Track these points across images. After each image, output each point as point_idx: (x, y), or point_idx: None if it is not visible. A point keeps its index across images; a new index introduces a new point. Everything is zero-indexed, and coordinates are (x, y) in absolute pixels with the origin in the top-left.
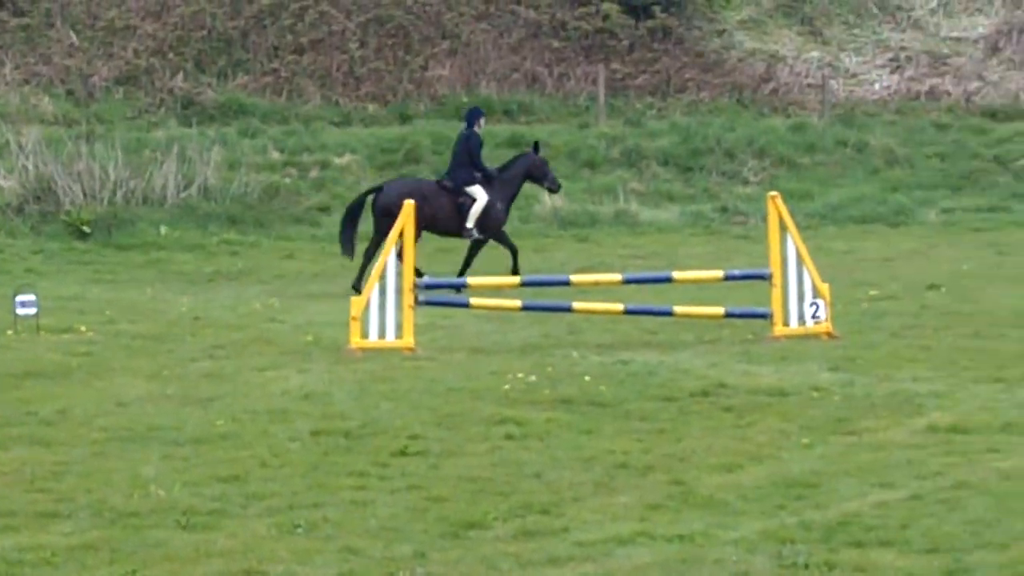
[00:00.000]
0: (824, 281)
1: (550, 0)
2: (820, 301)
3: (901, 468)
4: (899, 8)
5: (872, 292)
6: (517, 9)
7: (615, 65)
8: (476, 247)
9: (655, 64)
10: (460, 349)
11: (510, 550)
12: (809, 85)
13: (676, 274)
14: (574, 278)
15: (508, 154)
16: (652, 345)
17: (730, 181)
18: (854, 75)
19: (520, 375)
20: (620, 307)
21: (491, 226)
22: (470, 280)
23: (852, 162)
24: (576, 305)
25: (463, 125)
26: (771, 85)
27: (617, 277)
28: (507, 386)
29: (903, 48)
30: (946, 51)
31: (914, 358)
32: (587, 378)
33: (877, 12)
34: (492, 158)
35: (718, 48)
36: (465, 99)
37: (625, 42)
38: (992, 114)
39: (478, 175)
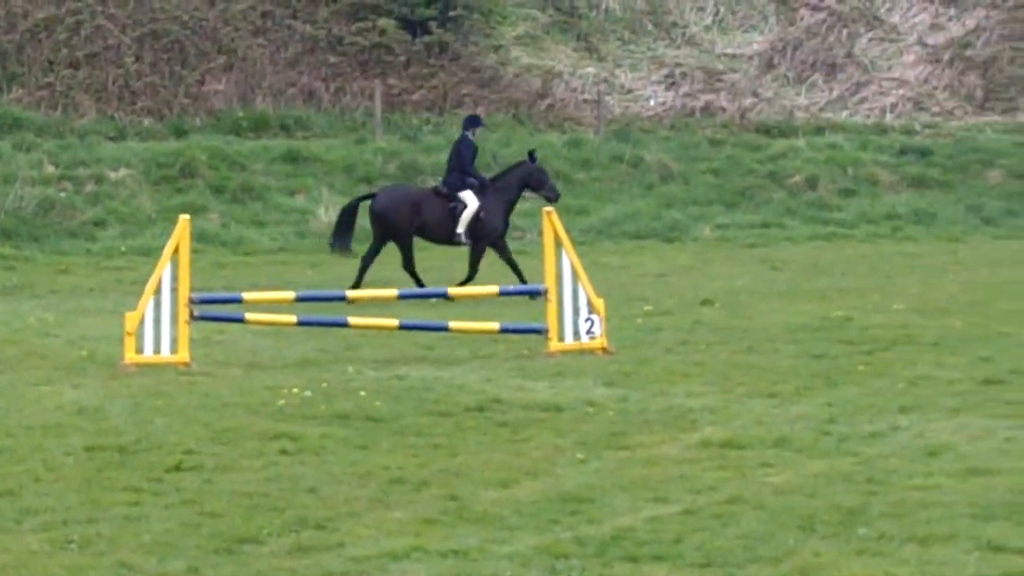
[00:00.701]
0: (599, 296)
1: (327, 15)
2: (595, 316)
3: (675, 483)
4: (674, 25)
5: (647, 307)
6: (294, 24)
7: (392, 80)
8: (476, 256)
9: (432, 79)
10: (235, 364)
11: (284, 565)
12: (585, 101)
13: (451, 290)
14: (350, 294)
15: (287, 168)
16: (428, 360)
17: None
18: (629, 91)
19: (295, 390)
20: (395, 323)
21: (486, 234)
22: (245, 295)
23: (627, 178)
24: (352, 320)
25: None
26: (547, 101)
27: (393, 293)
28: (282, 401)
29: (678, 64)
30: (721, 68)
31: (688, 373)
32: (363, 393)
33: (652, 29)
34: (274, 173)
35: (494, 64)
36: (241, 113)
37: (402, 57)
38: (766, 130)
39: (471, 181)
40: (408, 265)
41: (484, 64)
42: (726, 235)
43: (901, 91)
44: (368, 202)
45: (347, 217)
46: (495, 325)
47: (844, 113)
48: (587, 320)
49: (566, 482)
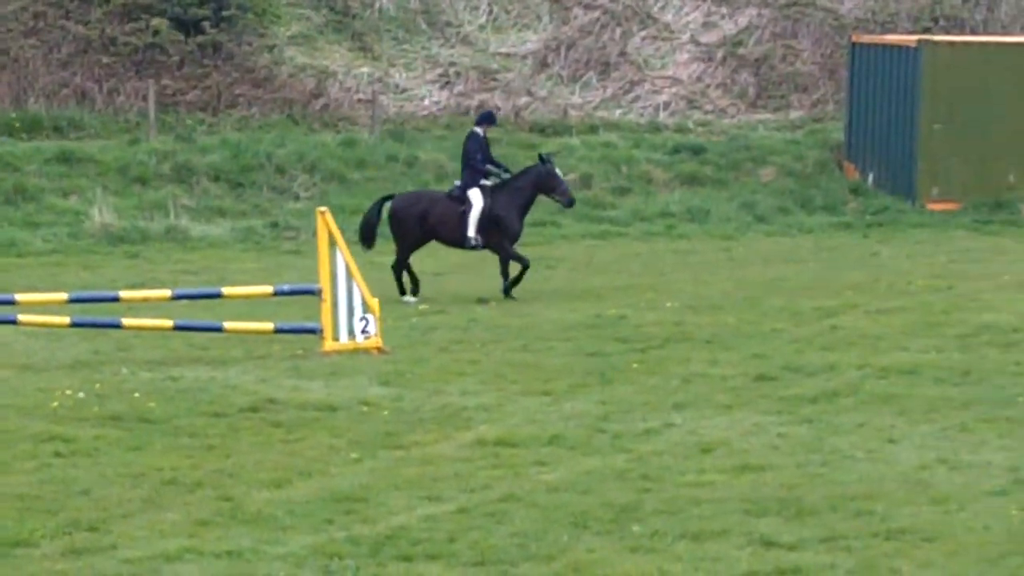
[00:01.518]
0: (374, 296)
1: (100, 16)
2: (370, 316)
3: (449, 481)
4: (448, 24)
5: (422, 306)
6: (67, 24)
7: (166, 80)
8: (503, 260)
9: (206, 80)
10: (8, 366)
11: (57, 568)
12: (359, 100)
13: (226, 290)
14: (123, 294)
15: (61, 169)
16: (202, 361)
17: (281, 196)
18: (404, 90)
19: (69, 392)
20: (170, 323)
21: (508, 236)
22: (19, 297)
23: (403, 177)
24: (126, 321)
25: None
26: (322, 101)
27: (167, 293)
28: (55, 403)
29: (452, 64)
30: (495, 67)
31: (463, 372)
32: (136, 394)
33: (426, 28)
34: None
35: (268, 64)
36: (14, 115)
37: (176, 57)
38: (541, 129)
39: (478, 177)
40: (398, 267)
41: (258, 64)
42: None
43: (674, 89)
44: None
45: (369, 220)
46: (269, 325)
47: (618, 112)
48: (362, 320)
49: (340, 482)
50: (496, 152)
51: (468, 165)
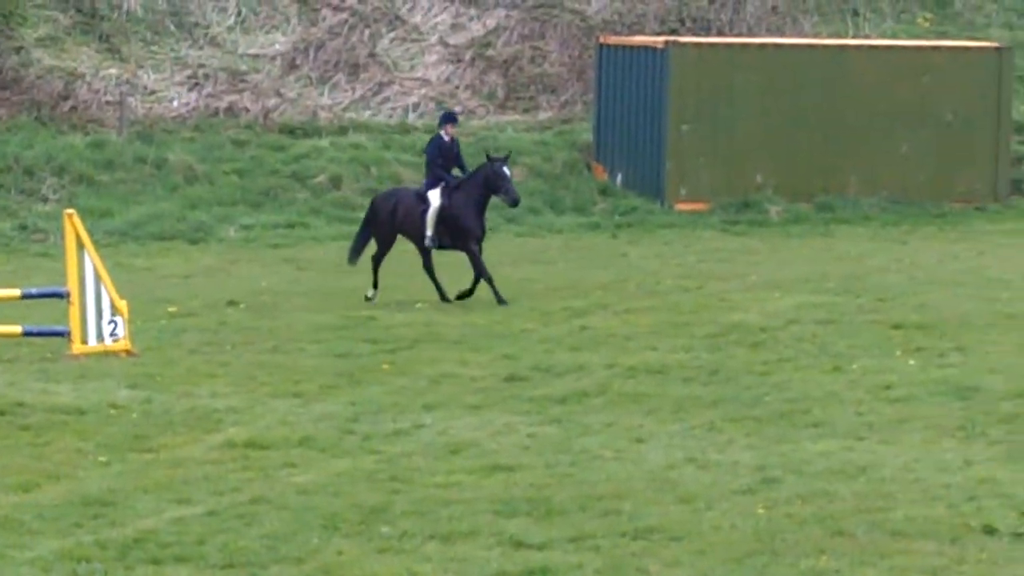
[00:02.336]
0: (123, 298)
1: None
2: (118, 318)
3: (198, 484)
4: (196, 25)
5: (171, 309)
6: None
7: None
8: (472, 259)
9: None
10: None
11: None
12: (108, 102)
13: None
14: None
15: None
16: None
17: (29, 199)
18: (153, 92)
19: None
20: None
21: (465, 236)
22: None
23: (151, 179)
24: None
25: None
26: (70, 103)
27: None
28: None
29: (201, 65)
30: (244, 68)
31: (213, 374)
32: None
33: (175, 30)
34: None
35: (16, 65)
36: None
37: None
38: (290, 131)
39: (436, 181)
40: (376, 259)
41: (5, 66)
42: (251, 236)
43: (424, 91)
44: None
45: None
46: (17, 328)
47: (367, 113)
48: (110, 322)
49: (89, 485)
50: (245, 154)
51: (428, 168)
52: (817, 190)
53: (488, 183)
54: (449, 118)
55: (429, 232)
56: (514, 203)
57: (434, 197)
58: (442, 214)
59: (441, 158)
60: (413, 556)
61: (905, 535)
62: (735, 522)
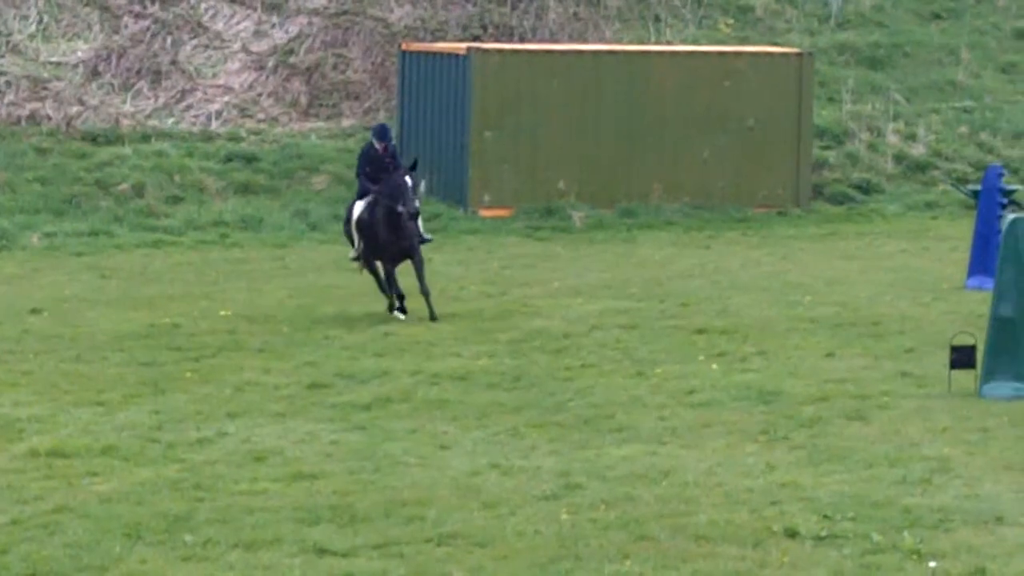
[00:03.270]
0: None
1: None
2: None
3: (1, 493)
4: None
5: None
6: None
7: None
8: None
9: None
10: None
11: None
12: None
13: None
14: None
15: None
16: None
17: None
18: None
19: None
20: None
21: (374, 251)
22: None
23: None
24: None
25: None
26: None
27: None
28: None
29: (3, 73)
30: (46, 76)
31: (15, 383)
32: None
33: None
34: None
35: None
36: None
37: None
38: (93, 138)
39: (362, 192)
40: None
41: None
42: (54, 243)
43: (227, 98)
44: None
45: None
46: None
47: (170, 120)
48: None
49: None
50: (47, 162)
51: (357, 180)
52: (620, 196)
53: (391, 192)
54: (378, 133)
55: (353, 246)
56: (410, 216)
57: (356, 209)
58: (359, 227)
59: (369, 167)
60: (217, 564)
61: (708, 539)
62: (539, 527)
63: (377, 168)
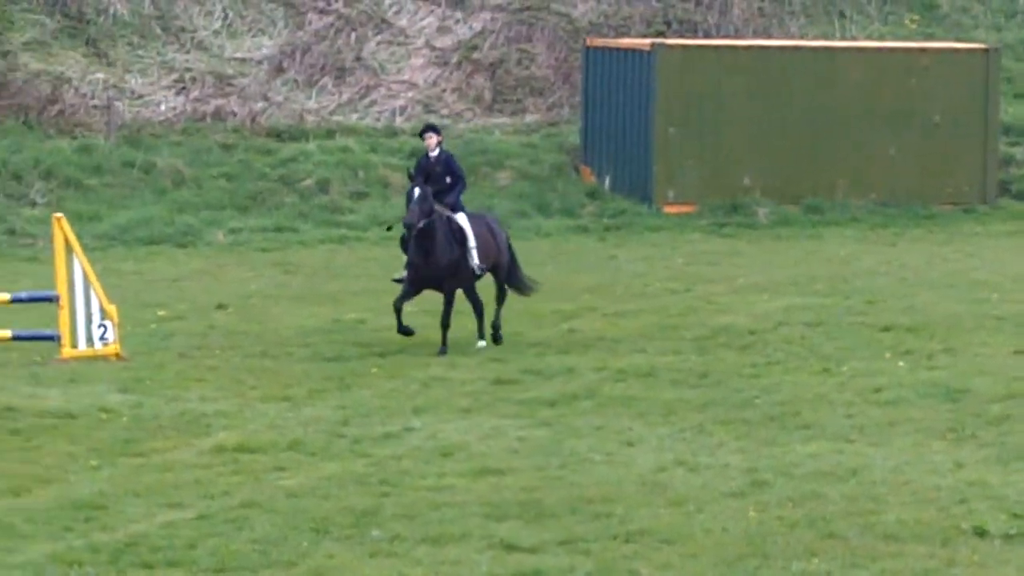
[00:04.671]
0: (112, 302)
1: None
2: (108, 323)
3: (189, 488)
4: (183, 30)
5: (161, 313)
6: None
7: None
8: None
9: None
10: None
11: None
12: (95, 107)
13: None
14: None
15: None
16: None
17: (18, 203)
18: (140, 96)
19: None
20: None
21: None
22: None
23: (140, 183)
24: None
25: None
26: (57, 107)
27: None
28: None
29: (188, 69)
30: (231, 72)
31: (202, 378)
32: None
33: (161, 33)
34: None
35: (3, 69)
36: None
37: None
38: (277, 134)
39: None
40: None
41: None
42: (239, 239)
43: (410, 94)
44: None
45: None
46: (7, 332)
47: (354, 116)
48: (100, 326)
49: (79, 489)
50: (232, 158)
51: None
52: (805, 192)
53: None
54: (424, 130)
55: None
56: (405, 226)
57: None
58: (402, 244)
59: (420, 177)
60: (404, 559)
61: (896, 538)
62: (726, 525)
63: (427, 179)
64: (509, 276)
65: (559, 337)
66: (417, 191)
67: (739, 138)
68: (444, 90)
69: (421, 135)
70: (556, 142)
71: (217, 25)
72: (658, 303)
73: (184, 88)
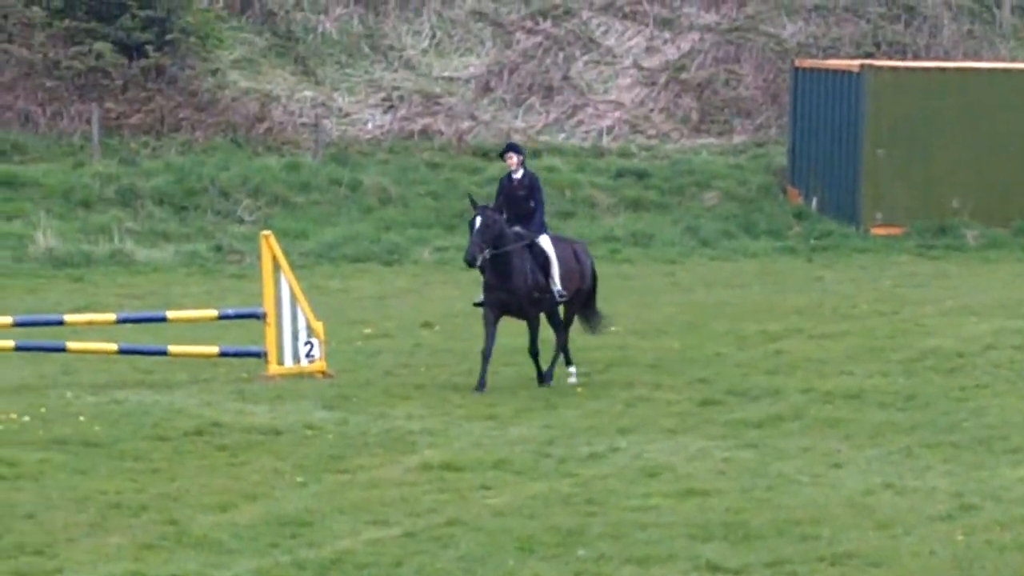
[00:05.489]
0: (319, 319)
1: (43, 39)
2: (315, 340)
3: (395, 505)
4: (391, 48)
5: (367, 331)
6: (9, 48)
7: (109, 104)
8: None
9: (149, 103)
10: None
11: None
12: (303, 124)
13: (170, 313)
14: (68, 318)
15: (5, 193)
16: (147, 384)
17: (225, 220)
18: (347, 114)
19: (13, 416)
20: (114, 347)
21: None
22: None
23: (346, 201)
24: (70, 345)
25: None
26: (265, 124)
27: (111, 317)
28: (0, 427)
29: (396, 88)
30: (438, 91)
31: (408, 396)
32: (81, 418)
33: (370, 52)
34: None
35: (212, 87)
36: None
37: (119, 81)
38: (484, 153)
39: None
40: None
41: (201, 88)
42: (445, 258)
43: (617, 114)
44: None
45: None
46: (214, 349)
47: (561, 136)
48: (306, 343)
49: (285, 505)
50: (439, 176)
51: None
52: (1015, 214)
53: None
54: (506, 149)
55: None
56: (465, 262)
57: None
58: (482, 269)
59: (499, 200)
60: None
61: None
62: (934, 548)
63: (508, 201)
64: (584, 305)
65: (765, 358)
66: (478, 220)
67: (948, 160)
68: (651, 110)
69: (502, 155)
70: (763, 163)
71: (425, 44)
72: (865, 325)
73: (391, 106)
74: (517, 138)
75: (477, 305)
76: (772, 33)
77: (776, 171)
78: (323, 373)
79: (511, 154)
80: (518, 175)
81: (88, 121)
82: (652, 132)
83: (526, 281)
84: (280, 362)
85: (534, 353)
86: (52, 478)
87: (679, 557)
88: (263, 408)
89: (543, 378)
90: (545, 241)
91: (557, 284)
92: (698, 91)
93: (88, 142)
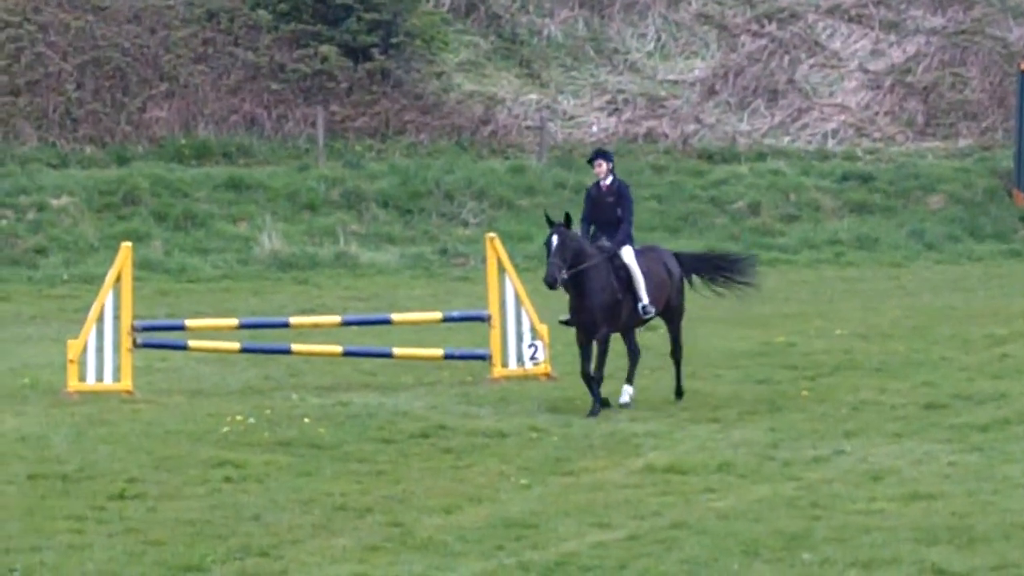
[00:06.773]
0: (543, 322)
1: (268, 42)
2: (539, 342)
3: (619, 508)
4: (616, 51)
5: None
6: (235, 51)
7: (334, 107)
8: None
9: (374, 106)
10: (179, 392)
11: None
12: (528, 127)
13: (395, 316)
14: (293, 320)
15: (230, 195)
16: (372, 387)
17: (450, 223)
18: (572, 117)
19: (239, 417)
20: (339, 349)
21: None
22: (188, 322)
23: (570, 204)
24: (295, 347)
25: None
26: (490, 127)
27: (336, 319)
28: (226, 428)
29: (620, 91)
30: (663, 94)
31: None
32: (306, 420)
33: (594, 55)
34: (216, 200)
35: (437, 90)
36: (183, 141)
37: (344, 84)
38: (709, 156)
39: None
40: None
41: (426, 91)
42: None
43: (842, 117)
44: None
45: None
46: (439, 351)
47: (786, 139)
48: (531, 346)
49: (510, 508)
50: (663, 179)
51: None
52: None
53: None
54: (594, 156)
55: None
56: (545, 283)
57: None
58: (567, 285)
59: (586, 208)
60: None
61: None
62: None
63: (595, 209)
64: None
65: (991, 362)
66: (555, 240)
67: None
68: (876, 113)
69: (590, 162)
70: (989, 166)
71: (650, 47)
72: None
73: (616, 109)
74: (742, 141)
75: (563, 323)
76: (998, 36)
77: (1002, 174)
78: (547, 376)
79: (600, 160)
80: (607, 182)
81: (313, 124)
82: (877, 135)
83: (603, 297)
84: (504, 365)
85: (599, 378)
86: (277, 480)
87: (904, 561)
88: (488, 411)
89: (598, 409)
90: (628, 254)
91: (644, 299)
92: (923, 94)
93: (313, 145)
